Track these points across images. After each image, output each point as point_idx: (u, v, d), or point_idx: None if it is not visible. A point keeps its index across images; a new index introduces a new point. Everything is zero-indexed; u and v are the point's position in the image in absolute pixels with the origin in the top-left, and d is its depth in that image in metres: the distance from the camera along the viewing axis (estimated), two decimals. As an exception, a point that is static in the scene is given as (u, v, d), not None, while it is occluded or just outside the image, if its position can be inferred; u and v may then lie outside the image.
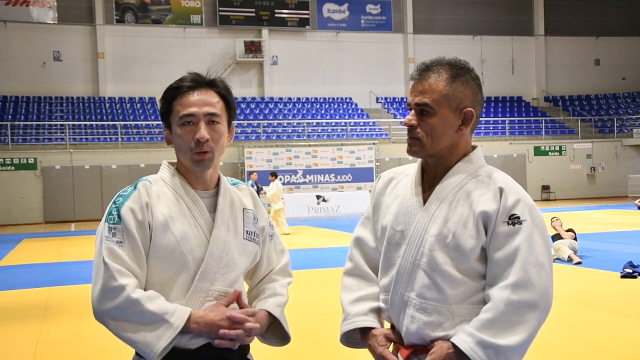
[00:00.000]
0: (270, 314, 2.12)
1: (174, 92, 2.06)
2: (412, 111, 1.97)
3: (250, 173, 18.94)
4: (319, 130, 28.62)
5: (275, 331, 2.19)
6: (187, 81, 2.06)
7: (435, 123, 1.93)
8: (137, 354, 2.04)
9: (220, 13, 30.37)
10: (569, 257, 10.02)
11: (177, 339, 1.96)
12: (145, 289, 1.99)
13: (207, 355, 1.99)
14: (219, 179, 2.15)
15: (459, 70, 1.96)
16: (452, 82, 1.94)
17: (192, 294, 2.00)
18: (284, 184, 26.20)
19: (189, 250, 2.01)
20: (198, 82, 2.06)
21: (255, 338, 2.12)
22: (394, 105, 31.61)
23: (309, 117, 29.44)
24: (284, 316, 2.18)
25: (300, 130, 28.23)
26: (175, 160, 2.16)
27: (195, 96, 2.03)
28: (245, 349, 2.13)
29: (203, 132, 2.00)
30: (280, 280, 2.25)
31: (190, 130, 2.01)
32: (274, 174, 17.22)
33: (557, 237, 10.56)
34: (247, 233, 2.13)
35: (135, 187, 2.05)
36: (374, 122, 29.78)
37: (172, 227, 2.00)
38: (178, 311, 1.92)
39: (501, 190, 1.91)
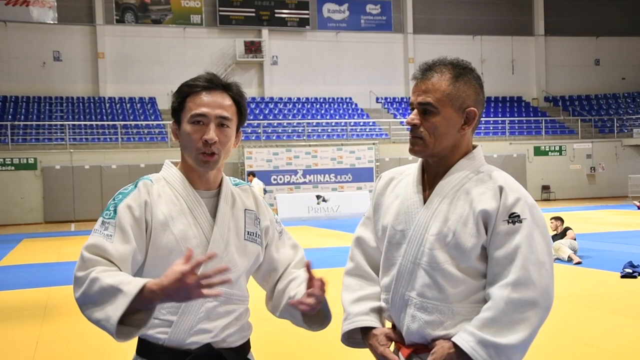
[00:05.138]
0: None
1: (189, 90, 2.04)
2: (415, 110, 1.97)
3: (249, 174, 18.89)
4: (319, 130, 28.61)
5: (316, 314, 2.11)
6: (203, 81, 2.04)
7: (439, 122, 1.94)
8: (137, 354, 2.04)
9: (220, 13, 30.36)
10: (569, 257, 10.02)
11: (171, 334, 1.93)
12: None
13: (206, 356, 1.98)
14: (221, 179, 2.14)
15: (461, 70, 1.97)
16: (455, 82, 1.94)
17: None
18: (284, 184, 26.28)
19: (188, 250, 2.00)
20: (214, 83, 2.05)
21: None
22: (394, 105, 31.61)
23: (309, 117, 29.43)
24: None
25: (300, 130, 28.23)
26: (177, 160, 2.15)
27: (209, 97, 2.02)
28: (245, 348, 2.12)
29: (212, 133, 1.99)
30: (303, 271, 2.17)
31: (199, 130, 2.00)
32: (252, 174, 17.54)
33: (557, 237, 10.57)
34: (248, 234, 2.12)
35: (135, 186, 2.04)
36: (374, 122, 29.78)
37: (172, 227, 1.99)
38: (134, 281, 1.81)
39: (501, 189, 1.91)
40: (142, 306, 1.79)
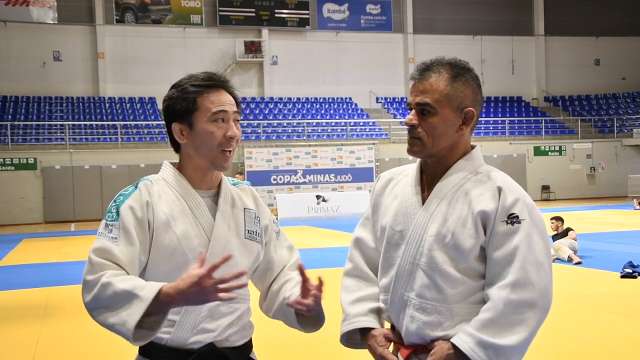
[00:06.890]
0: None
1: (197, 89, 2.04)
2: (413, 111, 1.97)
3: (237, 173, 18.73)
4: (319, 130, 28.62)
5: (311, 316, 2.12)
6: (208, 79, 2.05)
7: (437, 123, 1.93)
8: (139, 354, 2.04)
9: (220, 13, 30.36)
10: (569, 257, 10.02)
11: (174, 333, 1.94)
12: None
13: (209, 356, 1.98)
14: (220, 179, 2.15)
15: (459, 70, 1.96)
16: (453, 82, 1.94)
17: None
18: (284, 184, 26.29)
19: (190, 250, 2.00)
20: (219, 80, 2.08)
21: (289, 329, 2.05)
22: (394, 105, 31.61)
23: (309, 117, 29.43)
24: None
25: (300, 130, 28.23)
26: (176, 161, 2.15)
27: (220, 95, 2.05)
28: (248, 348, 2.12)
29: (235, 129, 2.04)
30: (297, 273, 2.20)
31: (221, 127, 2.02)
32: (240, 173, 17.39)
33: (557, 236, 10.57)
34: (248, 232, 2.13)
35: (136, 187, 2.05)
36: (374, 122, 29.78)
37: (174, 226, 2.00)
38: (150, 285, 1.83)
39: (500, 190, 1.91)
40: (157, 310, 1.82)
